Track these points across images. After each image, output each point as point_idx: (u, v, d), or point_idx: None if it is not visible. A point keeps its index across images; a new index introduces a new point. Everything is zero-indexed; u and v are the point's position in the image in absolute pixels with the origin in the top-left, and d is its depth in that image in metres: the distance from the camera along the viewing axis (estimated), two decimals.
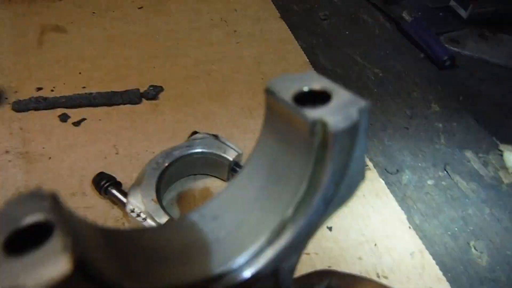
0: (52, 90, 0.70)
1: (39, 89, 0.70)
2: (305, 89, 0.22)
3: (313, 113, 0.20)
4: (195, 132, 0.62)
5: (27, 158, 0.61)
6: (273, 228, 0.22)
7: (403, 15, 0.99)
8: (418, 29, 0.94)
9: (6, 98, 0.68)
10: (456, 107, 0.80)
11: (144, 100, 0.71)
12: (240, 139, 0.67)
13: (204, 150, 0.58)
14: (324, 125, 0.20)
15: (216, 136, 0.60)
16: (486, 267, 0.58)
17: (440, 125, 0.76)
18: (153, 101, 0.71)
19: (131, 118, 0.68)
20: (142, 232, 0.25)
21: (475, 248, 0.60)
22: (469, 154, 0.72)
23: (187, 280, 0.21)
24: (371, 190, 0.64)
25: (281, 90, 0.22)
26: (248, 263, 0.22)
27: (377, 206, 0.62)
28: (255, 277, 0.22)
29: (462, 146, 0.73)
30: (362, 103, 0.21)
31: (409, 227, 0.60)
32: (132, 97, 0.70)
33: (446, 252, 0.59)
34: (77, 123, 0.67)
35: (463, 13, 1.02)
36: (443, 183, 0.67)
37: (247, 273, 0.22)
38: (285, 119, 0.23)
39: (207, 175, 0.62)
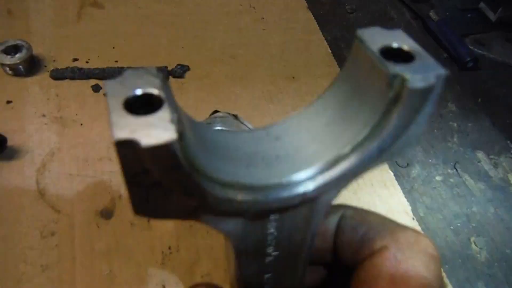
0: (87, 62, 0.75)
1: (75, 60, 0.75)
2: (394, 45, 0.24)
3: (396, 67, 0.22)
4: (216, 111, 0.65)
5: (61, 123, 0.66)
6: (328, 160, 0.25)
7: (431, 14, 0.99)
8: (444, 29, 0.94)
9: (45, 66, 0.73)
10: (473, 108, 0.81)
11: (171, 78, 0.75)
12: (259, 121, 0.70)
13: (223, 128, 0.62)
14: (403, 80, 0.22)
15: (235, 116, 0.63)
16: (484, 263, 0.61)
17: (455, 124, 0.78)
18: (180, 79, 0.75)
19: None
20: (219, 132, 0.27)
21: (475, 244, 0.62)
22: (480, 154, 0.73)
23: (250, 182, 0.24)
24: (380, 181, 0.66)
25: (371, 40, 0.24)
26: (296, 184, 0.24)
27: (384, 196, 0.65)
28: (298, 198, 0.24)
29: (475, 147, 0.74)
30: (442, 70, 0.23)
31: (413, 218, 0.63)
32: None
33: (447, 245, 0.62)
34: None
35: (492, 16, 1.02)
36: (451, 180, 0.69)
37: (294, 192, 0.24)
38: (366, 67, 0.25)
39: None
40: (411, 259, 0.26)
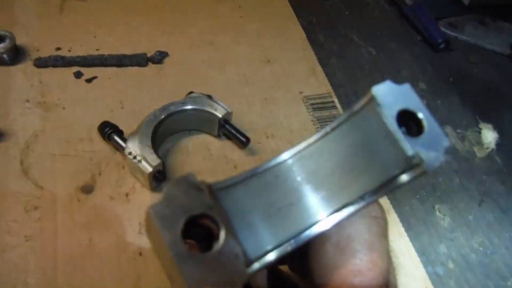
0: (69, 51, 0.78)
1: (58, 49, 0.78)
2: (412, 110, 0.26)
3: (412, 144, 0.24)
4: (191, 92, 0.68)
5: (44, 107, 0.70)
6: (337, 207, 0.28)
7: None
8: (418, 12, 0.97)
9: (29, 55, 0.77)
10: (444, 87, 0.84)
11: (150, 64, 0.78)
12: (234, 102, 0.73)
13: (196, 107, 0.65)
14: (420, 159, 0.25)
15: (209, 96, 0.67)
16: (447, 228, 0.64)
17: (424, 101, 0.80)
18: (158, 65, 0.78)
19: (137, 79, 0.76)
20: (234, 195, 0.28)
21: (439, 211, 0.65)
22: (448, 129, 0.77)
23: (277, 242, 0.27)
24: None
25: (387, 104, 0.26)
26: (307, 234, 0.28)
27: None
28: (304, 243, 0.28)
29: (443, 122, 0.78)
30: (447, 142, 0.25)
31: None
32: (139, 60, 0.77)
33: (412, 213, 0.65)
34: (89, 80, 0.74)
35: (466, 0, 1.05)
36: None
37: (311, 234, 0.28)
38: (380, 130, 0.26)
39: (200, 131, 0.69)
40: (354, 223, 0.28)
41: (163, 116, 0.63)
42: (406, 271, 0.59)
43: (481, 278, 0.59)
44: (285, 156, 0.30)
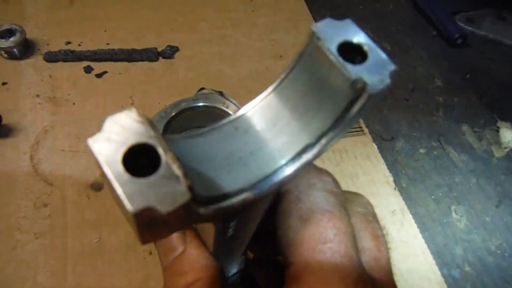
0: (79, 45, 0.78)
1: (68, 43, 0.78)
2: (350, 41, 0.25)
3: (355, 69, 0.24)
4: (202, 88, 0.67)
5: (54, 102, 0.69)
6: (298, 150, 0.27)
7: None
8: (433, 6, 0.95)
9: (39, 49, 0.76)
10: (461, 84, 0.82)
11: (160, 58, 0.77)
12: (245, 98, 0.71)
13: (208, 104, 0.64)
14: (364, 84, 0.24)
15: (221, 93, 0.65)
16: (464, 230, 0.62)
17: (441, 99, 0.79)
18: (169, 60, 0.77)
19: (147, 74, 0.75)
20: (190, 141, 0.27)
21: (455, 212, 0.64)
22: (465, 127, 0.75)
23: (237, 187, 0.26)
24: (363, 153, 0.68)
25: (328, 37, 0.25)
26: (275, 174, 0.27)
27: (367, 168, 0.67)
28: (276, 186, 0.27)
29: (460, 120, 0.76)
30: (392, 66, 0.25)
31: (395, 188, 0.65)
32: (150, 55, 0.76)
33: (427, 214, 0.63)
34: (99, 75, 0.74)
35: None
36: (435, 152, 0.71)
37: (273, 181, 0.27)
38: (326, 64, 0.26)
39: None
40: (311, 196, 0.29)
41: (174, 113, 0.62)
42: (420, 274, 0.57)
43: (499, 282, 0.58)
44: (243, 109, 0.30)
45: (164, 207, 0.18)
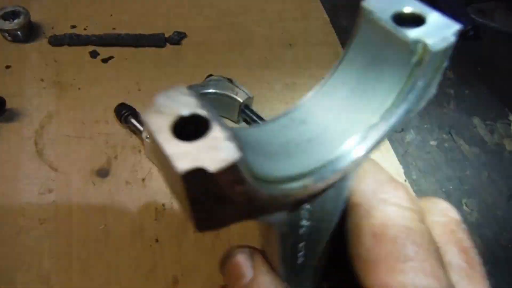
0: (85, 29, 0.76)
1: (73, 27, 0.76)
2: (404, 10, 0.25)
3: (413, 33, 0.23)
4: (211, 75, 0.66)
5: (59, 87, 0.68)
6: (360, 134, 0.26)
7: None
8: None
9: (44, 33, 0.74)
10: (472, 76, 0.81)
11: (168, 45, 0.76)
12: (254, 87, 0.70)
13: (217, 90, 0.62)
14: (424, 45, 0.23)
15: (230, 80, 0.64)
16: (475, 223, 0.61)
17: (452, 91, 0.77)
18: (176, 46, 0.76)
19: (154, 60, 0.73)
20: (246, 130, 0.27)
21: (466, 206, 0.63)
22: (476, 120, 0.73)
23: (298, 171, 0.24)
24: None
25: (379, 9, 0.25)
26: (333, 163, 0.25)
27: (377, 159, 0.65)
28: (333, 178, 0.25)
29: (471, 113, 0.74)
30: (455, 25, 0.24)
31: (405, 180, 0.64)
32: (157, 41, 0.75)
33: None
34: (105, 60, 0.72)
35: None
36: (446, 144, 0.70)
37: (332, 171, 0.25)
38: (380, 37, 0.25)
39: (219, 115, 0.66)
40: (385, 211, 0.26)
41: None
42: None
43: (510, 277, 0.57)
44: (299, 102, 0.28)
45: (213, 165, 0.18)
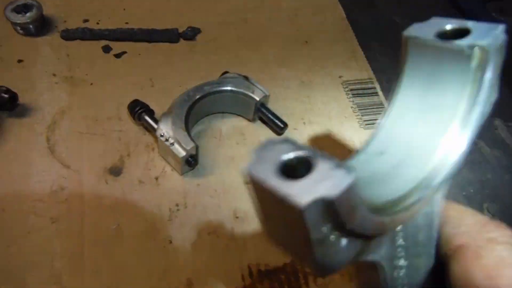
0: (97, 23, 0.75)
1: (86, 21, 0.75)
2: (447, 27, 0.27)
3: (464, 42, 0.25)
4: (226, 72, 0.64)
5: (71, 82, 0.66)
6: (440, 153, 0.27)
7: None
8: None
9: (56, 26, 0.73)
10: None
11: (181, 40, 0.74)
12: (269, 84, 0.69)
13: (233, 88, 0.61)
14: (480, 47, 0.25)
15: (246, 77, 0.62)
16: None
17: None
18: (190, 42, 0.74)
19: (168, 55, 0.72)
20: None
21: (488, 210, 0.61)
22: (497, 122, 0.71)
23: (394, 197, 0.25)
24: None
25: (423, 34, 0.27)
26: (428, 179, 0.26)
27: None
28: (444, 182, 0.26)
29: (492, 114, 0.72)
30: (500, 25, 0.26)
31: None
32: (170, 36, 0.73)
33: None
34: (118, 55, 0.71)
35: None
36: None
37: (429, 186, 0.26)
38: (432, 56, 0.27)
39: (234, 114, 0.65)
40: (495, 251, 0.26)
41: (197, 97, 0.59)
42: None
43: None
44: (370, 138, 0.30)
45: (332, 191, 0.18)
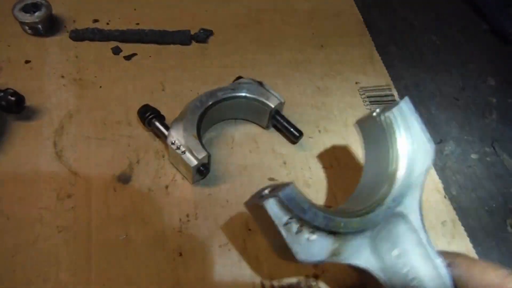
0: (107, 23, 0.72)
1: (96, 21, 0.73)
2: (377, 111, 0.43)
3: (379, 113, 0.43)
4: (240, 77, 0.62)
5: (80, 85, 0.64)
6: (383, 187, 0.42)
7: None
8: None
9: (65, 26, 0.71)
10: None
11: (193, 42, 0.72)
12: (284, 89, 0.67)
13: (247, 94, 0.58)
14: (386, 116, 0.42)
15: (260, 83, 0.60)
16: None
17: (494, 100, 0.72)
18: (202, 44, 0.72)
19: (179, 58, 0.70)
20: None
21: (511, 226, 0.58)
22: None
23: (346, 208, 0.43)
24: None
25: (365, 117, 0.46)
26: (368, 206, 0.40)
27: None
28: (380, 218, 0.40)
29: None
30: (403, 100, 0.42)
31: (445, 197, 0.59)
32: (182, 38, 0.71)
33: (480, 226, 0.58)
34: (128, 57, 0.69)
35: None
36: (488, 158, 0.65)
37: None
38: (371, 127, 0.44)
39: (247, 120, 0.63)
40: None
41: (210, 103, 0.57)
42: None
43: None
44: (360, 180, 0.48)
45: (277, 194, 0.35)
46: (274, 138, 0.62)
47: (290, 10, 0.79)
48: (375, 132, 0.41)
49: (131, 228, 0.52)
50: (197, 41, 0.72)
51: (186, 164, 0.52)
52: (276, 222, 0.34)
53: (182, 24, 0.73)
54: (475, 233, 0.57)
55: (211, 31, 0.73)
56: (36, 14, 0.67)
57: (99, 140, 0.59)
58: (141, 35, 0.70)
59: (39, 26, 0.68)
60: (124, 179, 0.56)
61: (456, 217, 0.57)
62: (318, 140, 0.62)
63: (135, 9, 0.75)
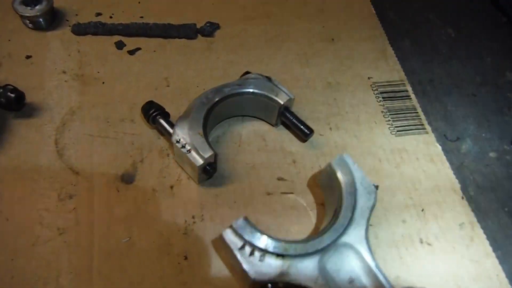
0: (110, 17, 0.70)
1: (99, 14, 0.70)
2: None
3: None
4: (247, 72, 0.59)
5: (82, 81, 0.62)
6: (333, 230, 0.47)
7: None
8: None
9: (67, 20, 0.69)
10: None
11: (199, 36, 0.69)
12: (293, 86, 0.64)
13: (255, 90, 0.56)
14: (330, 166, 0.50)
15: (269, 78, 0.58)
16: None
17: None
18: (208, 38, 0.69)
19: (184, 52, 0.67)
20: None
21: None
22: None
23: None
24: (426, 155, 0.60)
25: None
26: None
27: (430, 171, 0.58)
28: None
29: None
30: (345, 155, 0.50)
31: (462, 198, 0.56)
32: (188, 32, 0.68)
33: (500, 229, 0.55)
34: (132, 52, 0.66)
35: None
36: (507, 157, 0.62)
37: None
38: (327, 180, 0.51)
39: (255, 117, 0.60)
40: None
41: (216, 99, 0.54)
42: None
43: None
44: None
45: (232, 225, 0.45)
46: (283, 136, 0.59)
47: (299, 2, 0.77)
48: (326, 181, 0.51)
49: (135, 230, 0.50)
50: (203, 35, 0.69)
51: (191, 164, 0.50)
52: (232, 246, 0.43)
53: (188, 17, 0.71)
54: (495, 236, 0.54)
55: (218, 24, 0.71)
56: (37, 7, 0.65)
57: (101, 138, 0.57)
58: (145, 29, 0.68)
59: (40, 19, 0.66)
60: (128, 178, 0.54)
61: (475, 219, 0.55)
62: (330, 138, 0.60)
63: (139, 2, 0.73)
